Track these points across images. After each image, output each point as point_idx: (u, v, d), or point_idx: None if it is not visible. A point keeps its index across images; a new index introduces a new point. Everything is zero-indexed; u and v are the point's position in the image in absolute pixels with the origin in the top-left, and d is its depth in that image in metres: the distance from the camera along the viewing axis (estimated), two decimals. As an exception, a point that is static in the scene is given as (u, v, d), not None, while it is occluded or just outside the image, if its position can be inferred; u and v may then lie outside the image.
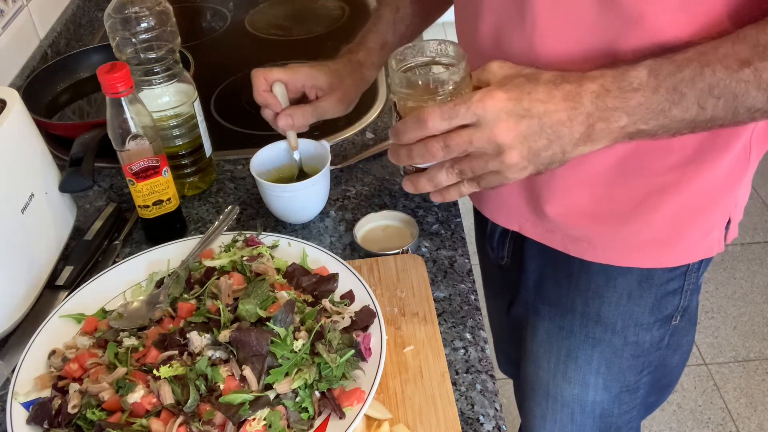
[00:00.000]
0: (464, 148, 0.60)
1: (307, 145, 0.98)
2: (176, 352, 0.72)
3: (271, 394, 0.68)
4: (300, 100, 0.96)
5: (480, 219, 1.05)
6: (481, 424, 0.72)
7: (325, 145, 0.98)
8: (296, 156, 0.98)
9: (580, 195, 0.79)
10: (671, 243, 0.81)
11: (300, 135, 1.00)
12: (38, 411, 0.69)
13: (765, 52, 0.56)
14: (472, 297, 0.86)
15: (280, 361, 0.69)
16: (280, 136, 0.98)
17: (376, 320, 0.76)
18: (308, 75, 0.94)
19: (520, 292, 0.99)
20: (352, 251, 0.93)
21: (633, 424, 1.04)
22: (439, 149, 0.61)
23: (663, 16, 0.63)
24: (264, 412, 0.66)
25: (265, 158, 0.98)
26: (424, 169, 0.67)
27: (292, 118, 0.92)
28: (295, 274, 0.82)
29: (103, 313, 0.81)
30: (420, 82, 0.67)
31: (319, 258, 0.85)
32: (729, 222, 0.82)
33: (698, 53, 0.58)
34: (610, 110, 0.59)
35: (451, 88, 0.66)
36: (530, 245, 0.92)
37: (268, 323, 0.72)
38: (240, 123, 1.21)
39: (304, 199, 0.95)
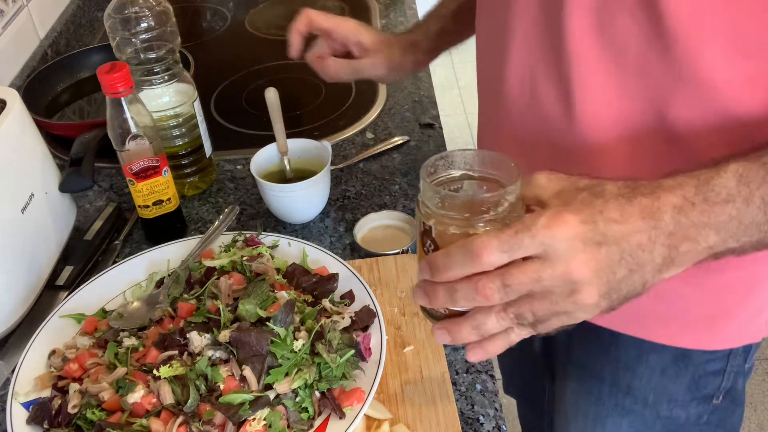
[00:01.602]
0: (529, 288, 0.47)
1: (307, 144, 0.98)
2: (176, 352, 0.72)
3: (271, 394, 0.68)
4: (344, 56, 0.94)
5: None
6: (481, 424, 0.72)
7: (325, 145, 0.98)
8: (285, 161, 0.98)
9: None
10: (712, 324, 0.72)
11: (299, 135, 1.00)
12: (38, 411, 0.69)
13: None
14: (472, 297, 0.85)
15: (280, 361, 0.69)
16: (280, 136, 0.98)
17: (376, 320, 0.76)
18: (354, 29, 0.91)
19: (547, 346, 0.93)
20: (352, 251, 0.93)
21: None
22: (494, 290, 0.47)
23: (721, 68, 0.53)
24: (264, 412, 0.66)
25: (265, 158, 0.98)
26: (461, 313, 0.51)
27: (324, 63, 0.89)
28: (295, 274, 0.82)
29: (103, 313, 0.81)
30: (464, 202, 0.52)
31: (319, 258, 0.85)
32: None
33: None
34: (697, 227, 0.48)
35: (506, 210, 0.50)
36: None
37: (268, 323, 0.72)
38: (240, 123, 1.21)
39: (304, 199, 0.95)
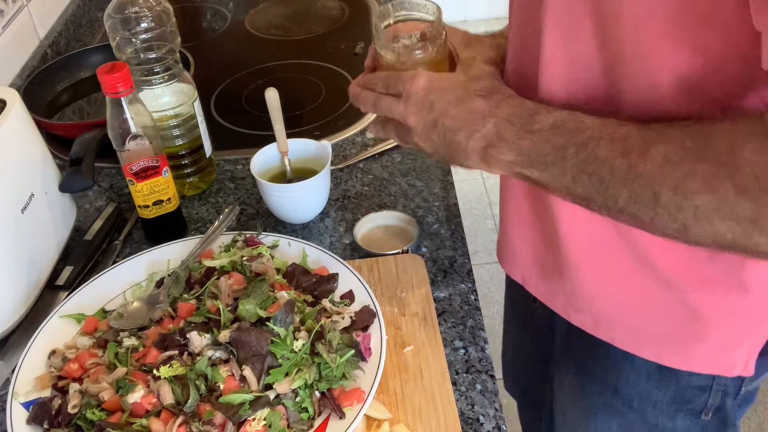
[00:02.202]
0: (386, 113, 0.69)
1: (308, 145, 0.98)
2: (176, 352, 0.72)
3: (271, 394, 0.68)
4: None
5: None
6: (481, 424, 0.72)
7: (325, 145, 0.98)
8: (285, 161, 0.98)
9: (586, 271, 0.73)
10: (676, 344, 0.73)
11: (299, 135, 1.00)
12: (38, 411, 0.69)
13: (646, 151, 0.53)
14: (472, 297, 0.86)
15: (280, 361, 0.69)
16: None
17: (376, 320, 0.76)
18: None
19: (548, 338, 0.93)
20: (352, 251, 0.93)
21: None
22: (370, 104, 0.70)
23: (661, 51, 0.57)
24: (264, 412, 0.66)
25: (265, 158, 0.98)
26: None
27: None
28: (295, 274, 0.82)
29: (103, 313, 0.81)
30: (389, 34, 0.74)
31: (319, 258, 0.85)
32: None
33: (601, 123, 0.56)
34: (504, 141, 0.61)
35: (418, 39, 0.74)
36: None
37: (268, 323, 0.72)
38: (240, 123, 1.21)
39: (304, 199, 0.95)
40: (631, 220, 0.57)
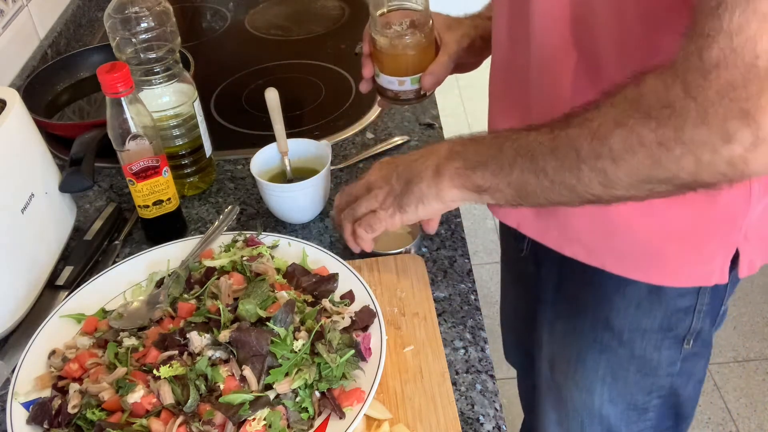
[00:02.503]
0: (364, 209, 0.80)
1: (308, 145, 0.98)
2: (176, 352, 0.72)
3: (271, 394, 0.68)
4: None
5: None
6: (481, 424, 0.72)
7: (325, 145, 0.98)
8: (285, 161, 0.98)
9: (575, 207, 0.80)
10: (660, 262, 0.79)
11: (299, 135, 1.00)
12: (38, 411, 0.69)
13: (569, 122, 0.62)
14: (472, 297, 0.86)
15: (280, 361, 0.69)
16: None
17: (376, 320, 0.76)
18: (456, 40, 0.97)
19: (539, 285, 0.98)
20: (352, 251, 0.93)
21: None
22: (350, 227, 0.82)
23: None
24: (264, 412, 0.66)
25: (265, 158, 0.98)
26: None
27: (434, 76, 0.92)
28: (295, 274, 0.82)
29: (103, 313, 0.81)
30: (383, 20, 0.85)
31: (319, 258, 0.85)
32: (737, 255, 0.79)
33: (536, 128, 0.65)
34: (454, 153, 0.72)
35: (407, 25, 0.85)
36: None
37: (268, 323, 0.72)
38: (240, 123, 1.21)
39: (305, 199, 0.95)
40: (562, 190, 0.64)
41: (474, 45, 0.92)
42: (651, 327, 0.86)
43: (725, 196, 0.72)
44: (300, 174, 0.97)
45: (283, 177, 0.99)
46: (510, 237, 1.06)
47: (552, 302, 0.96)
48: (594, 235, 0.81)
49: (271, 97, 0.96)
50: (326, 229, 0.97)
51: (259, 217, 1.00)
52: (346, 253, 0.92)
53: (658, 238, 0.78)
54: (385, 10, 0.85)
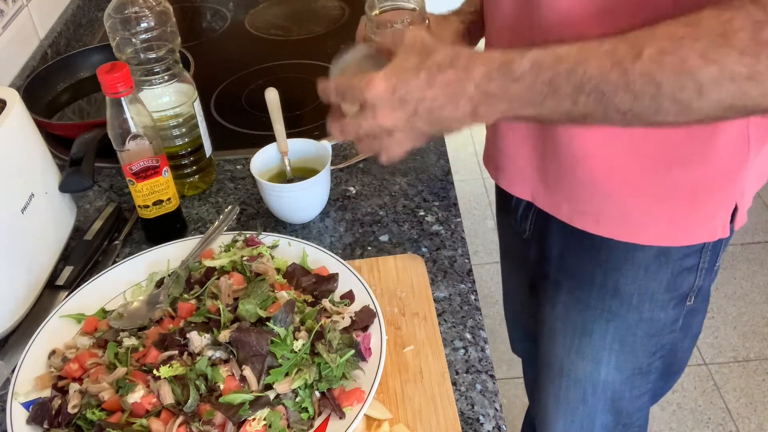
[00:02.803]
0: (357, 133, 0.69)
1: (308, 145, 0.98)
2: (176, 352, 0.72)
3: (271, 394, 0.68)
4: None
5: (502, 192, 1.05)
6: (481, 424, 0.72)
7: (325, 145, 0.98)
8: (285, 161, 0.98)
9: (583, 171, 0.81)
10: (670, 223, 0.83)
11: (299, 135, 1.00)
12: (38, 411, 0.69)
13: (639, 54, 0.58)
14: (472, 297, 0.86)
15: (280, 361, 0.69)
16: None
17: (376, 320, 0.76)
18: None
19: (542, 265, 1.00)
20: (352, 251, 0.93)
21: (643, 412, 1.05)
22: (337, 131, 0.71)
23: None
24: (264, 412, 0.66)
25: (265, 158, 0.98)
26: None
27: None
28: (295, 274, 0.82)
29: (103, 313, 0.81)
30: (378, 20, 0.83)
31: (319, 258, 0.85)
32: (736, 209, 0.83)
33: (580, 48, 0.60)
34: (492, 95, 0.64)
35: (402, 25, 0.83)
36: (555, 218, 0.93)
37: (268, 323, 0.72)
38: (240, 123, 1.21)
39: (305, 199, 0.95)
40: (633, 119, 0.61)
41: (464, 40, 0.93)
42: (658, 289, 0.88)
43: (722, 152, 0.76)
44: (300, 174, 0.97)
45: (283, 177, 0.99)
46: (510, 222, 1.06)
47: (554, 279, 0.98)
48: (604, 206, 0.83)
49: (271, 97, 0.96)
50: (326, 229, 0.97)
51: (259, 217, 1.00)
52: (346, 253, 0.93)
53: (667, 200, 0.80)
54: (378, 11, 0.84)
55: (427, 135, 0.69)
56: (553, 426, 1.09)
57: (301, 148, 0.99)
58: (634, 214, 0.82)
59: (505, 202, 1.07)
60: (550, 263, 0.97)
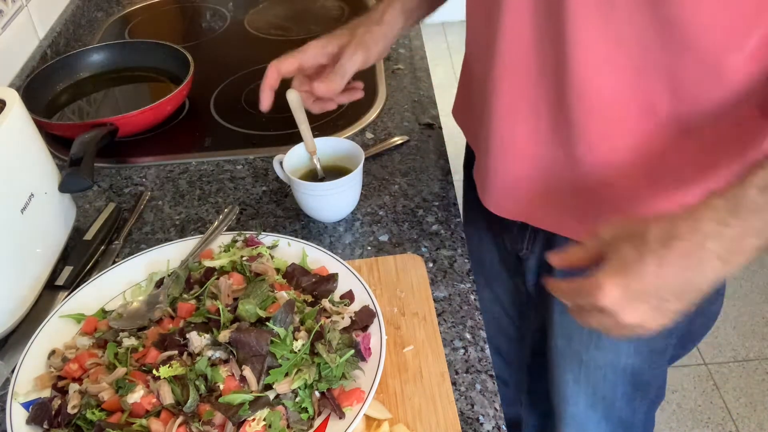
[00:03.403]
0: (599, 328, 0.66)
1: (341, 144, 0.98)
2: (176, 352, 0.72)
3: (271, 394, 0.68)
4: None
5: (485, 212, 1.05)
6: (481, 424, 0.72)
7: (353, 144, 0.97)
8: (315, 160, 0.97)
9: (603, 198, 0.81)
10: None
11: (328, 134, 0.98)
12: (38, 411, 0.69)
13: None
14: (472, 297, 0.86)
15: (279, 361, 0.69)
16: (278, 137, 0.98)
17: (375, 320, 0.76)
18: (317, 46, 0.94)
19: (547, 273, 0.98)
20: (352, 251, 0.93)
21: (661, 378, 1.07)
22: (577, 316, 0.68)
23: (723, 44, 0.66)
24: (264, 412, 0.66)
25: (293, 158, 0.97)
26: None
27: (314, 90, 0.92)
28: (294, 274, 0.82)
29: (103, 313, 0.81)
30: None
31: (318, 258, 0.85)
32: None
33: None
34: (738, 241, 0.59)
35: None
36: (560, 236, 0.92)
37: (267, 323, 0.72)
38: (240, 123, 1.21)
39: (341, 197, 0.94)
40: None
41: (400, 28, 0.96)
42: None
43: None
44: (331, 171, 0.97)
45: (311, 175, 0.98)
46: (498, 241, 1.06)
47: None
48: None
49: (293, 98, 0.94)
50: (326, 229, 0.97)
51: (258, 217, 1.00)
52: (345, 253, 0.92)
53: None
54: None
55: (681, 309, 0.63)
56: (575, 399, 1.08)
57: (334, 146, 0.98)
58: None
59: (492, 222, 1.06)
60: (555, 272, 0.94)
